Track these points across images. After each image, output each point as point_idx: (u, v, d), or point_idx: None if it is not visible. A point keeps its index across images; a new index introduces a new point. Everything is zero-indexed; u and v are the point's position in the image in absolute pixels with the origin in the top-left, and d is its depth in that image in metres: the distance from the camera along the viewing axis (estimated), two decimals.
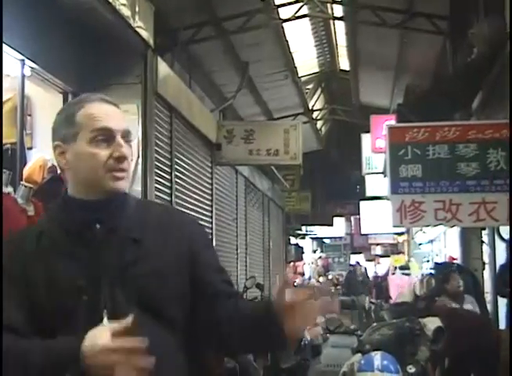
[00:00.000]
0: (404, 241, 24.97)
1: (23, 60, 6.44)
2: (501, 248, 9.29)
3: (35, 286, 1.91)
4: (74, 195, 2.02)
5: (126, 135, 2.00)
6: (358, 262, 24.22)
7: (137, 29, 7.78)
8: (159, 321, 1.90)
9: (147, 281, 1.92)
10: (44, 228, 2.02)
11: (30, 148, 7.16)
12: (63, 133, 1.99)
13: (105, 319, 1.83)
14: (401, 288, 13.34)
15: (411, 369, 5.86)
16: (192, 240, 2.06)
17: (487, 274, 10.40)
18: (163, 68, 9.06)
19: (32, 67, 6.68)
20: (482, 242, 10.69)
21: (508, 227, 7.93)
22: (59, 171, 6.53)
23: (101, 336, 1.70)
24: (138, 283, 1.91)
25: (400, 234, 24.64)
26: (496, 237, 9.36)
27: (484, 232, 10.45)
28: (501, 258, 9.09)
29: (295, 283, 21.81)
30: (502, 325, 8.55)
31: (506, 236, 8.58)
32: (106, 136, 1.95)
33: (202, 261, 2.05)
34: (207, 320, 2.01)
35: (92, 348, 1.69)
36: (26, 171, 6.40)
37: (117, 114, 2.01)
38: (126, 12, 7.46)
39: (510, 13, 7.36)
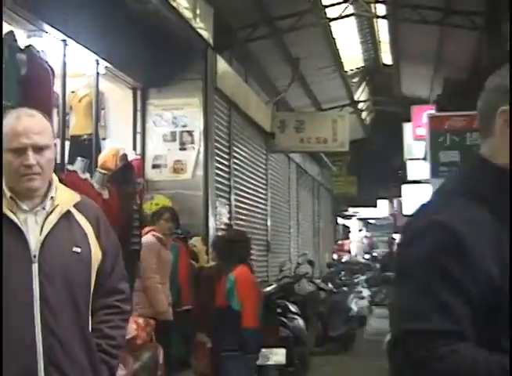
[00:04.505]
0: None
1: (97, 60, 6.54)
2: None
3: (486, 267, 1.42)
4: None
5: None
6: (392, 238, 24.07)
7: (198, 29, 7.82)
8: None
9: None
10: (472, 205, 1.49)
11: (104, 138, 7.29)
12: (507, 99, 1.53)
13: None
14: None
15: None
16: None
17: None
18: (222, 65, 9.09)
19: (106, 66, 6.77)
20: None
21: None
22: (129, 159, 6.63)
23: None
24: None
25: None
26: None
27: None
28: None
29: (343, 260, 21.58)
30: None
31: None
32: None
33: None
34: None
35: None
36: (100, 159, 6.48)
37: None
38: (188, 14, 7.50)
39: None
